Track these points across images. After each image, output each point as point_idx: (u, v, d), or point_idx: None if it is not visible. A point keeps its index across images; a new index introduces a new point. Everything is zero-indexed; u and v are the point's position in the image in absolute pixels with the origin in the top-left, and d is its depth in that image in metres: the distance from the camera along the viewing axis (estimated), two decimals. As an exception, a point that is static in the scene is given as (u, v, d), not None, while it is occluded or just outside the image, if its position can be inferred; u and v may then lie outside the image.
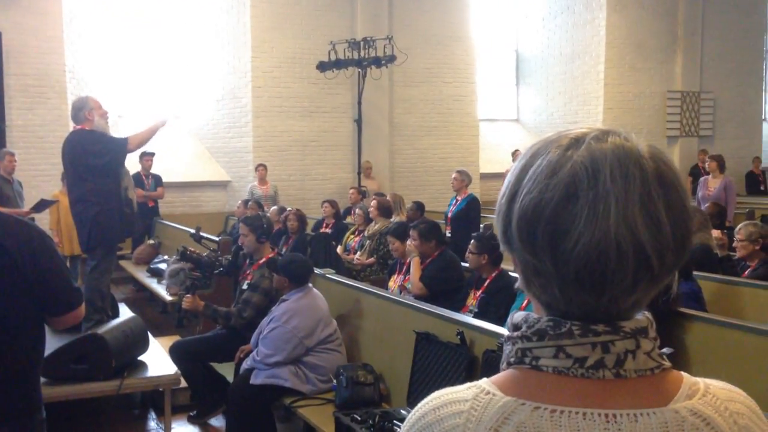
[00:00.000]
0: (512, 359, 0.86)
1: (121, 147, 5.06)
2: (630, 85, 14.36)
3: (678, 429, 0.80)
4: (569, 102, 14.52)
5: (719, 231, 6.16)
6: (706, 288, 4.70)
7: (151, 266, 8.19)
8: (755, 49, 16.15)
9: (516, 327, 0.88)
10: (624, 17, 14.15)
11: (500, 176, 12.42)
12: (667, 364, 0.84)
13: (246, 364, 4.48)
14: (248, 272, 5.16)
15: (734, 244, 5.20)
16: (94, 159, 4.94)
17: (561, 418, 0.80)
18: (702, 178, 9.39)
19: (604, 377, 0.81)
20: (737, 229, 5.23)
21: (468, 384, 0.88)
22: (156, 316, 7.67)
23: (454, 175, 8.38)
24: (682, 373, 0.86)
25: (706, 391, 0.84)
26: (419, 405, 0.89)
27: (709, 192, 8.74)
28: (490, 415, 0.82)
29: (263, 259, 5.10)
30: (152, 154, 10.00)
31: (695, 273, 4.63)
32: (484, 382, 0.86)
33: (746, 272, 5.10)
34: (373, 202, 8.11)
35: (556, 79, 14.67)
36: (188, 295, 4.96)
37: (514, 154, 12.31)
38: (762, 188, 14.63)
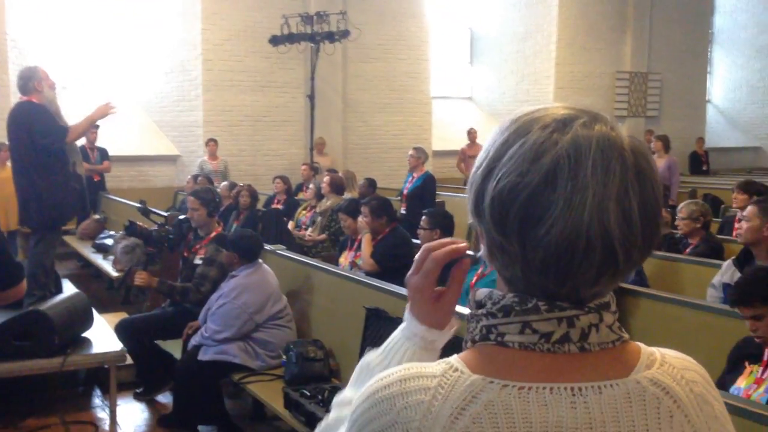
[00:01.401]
0: (477, 336, 0.86)
1: (62, 135, 4.91)
2: (581, 65, 14.54)
3: (640, 399, 0.82)
4: (521, 81, 14.63)
5: (663, 209, 6.30)
6: (649, 264, 4.82)
7: (97, 242, 8.01)
8: (701, 32, 16.51)
9: (479, 304, 0.87)
10: (576, -3, 14.30)
11: (453, 154, 12.52)
12: (626, 335, 0.86)
13: (194, 341, 4.44)
14: (198, 246, 5.10)
15: (676, 222, 5.34)
16: (37, 137, 4.80)
17: (529, 394, 0.80)
18: (648, 158, 9.60)
19: (569, 351, 0.82)
20: (680, 207, 5.37)
21: (441, 360, 0.86)
22: (101, 293, 7.53)
23: (410, 152, 8.38)
24: (639, 344, 0.88)
25: (663, 360, 0.86)
26: (385, 373, 0.87)
27: (655, 171, 8.93)
28: (458, 393, 0.81)
29: (213, 234, 5.04)
30: (97, 127, 9.70)
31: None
32: (453, 359, 0.86)
33: (687, 249, 5.25)
34: (326, 179, 8.06)
35: (509, 58, 14.76)
36: (141, 272, 4.87)
37: (470, 132, 12.35)
38: (705, 168, 15.04)
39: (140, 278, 4.82)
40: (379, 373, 0.88)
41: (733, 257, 4.19)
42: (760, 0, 17.21)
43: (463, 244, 0.96)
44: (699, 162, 15.09)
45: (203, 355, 4.29)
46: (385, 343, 1.02)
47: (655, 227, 0.83)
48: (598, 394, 0.81)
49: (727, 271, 4.11)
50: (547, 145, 0.80)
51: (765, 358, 2.88)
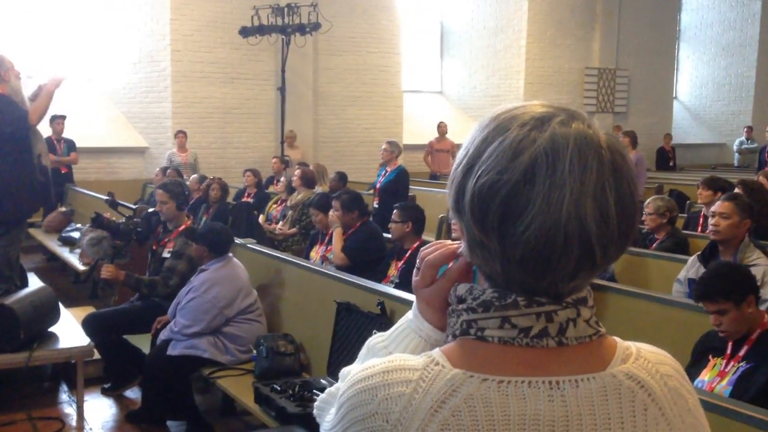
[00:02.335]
0: (458, 331, 0.88)
1: (23, 121, 4.80)
2: (550, 60, 14.66)
3: (615, 392, 0.84)
4: (492, 75, 14.71)
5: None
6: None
7: (63, 235, 7.89)
8: (668, 29, 16.75)
9: (460, 299, 0.89)
10: (546, -7, 14.40)
11: (424, 148, 12.54)
12: (603, 330, 0.88)
13: (163, 335, 4.40)
14: (166, 240, 5.05)
15: (643, 218, 5.41)
16: (2, 126, 4.70)
17: (508, 388, 0.82)
18: (616, 154, 9.69)
19: (547, 345, 0.84)
20: (646, 203, 5.44)
21: (424, 354, 0.88)
22: (68, 286, 7.43)
23: (384, 146, 8.36)
24: (615, 338, 0.89)
25: (638, 354, 0.88)
26: (370, 362, 0.89)
27: (622, 167, 9.04)
28: (438, 387, 0.83)
29: (182, 227, 4.99)
30: (63, 117, 9.58)
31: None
32: (435, 353, 0.87)
33: (654, 245, 5.33)
34: (297, 172, 8.03)
35: (479, 53, 14.82)
36: (108, 265, 4.80)
37: (440, 126, 12.39)
38: (671, 164, 15.28)
39: (107, 271, 4.76)
40: (379, 357, 0.90)
41: (699, 253, 4.25)
42: (726, -2, 17.52)
43: (455, 245, 0.97)
44: (666, 158, 15.33)
45: (172, 350, 4.26)
46: (392, 329, 1.03)
47: (632, 223, 0.84)
48: (575, 387, 0.83)
49: (692, 267, 4.18)
50: (525, 143, 0.81)
51: (728, 352, 2.95)
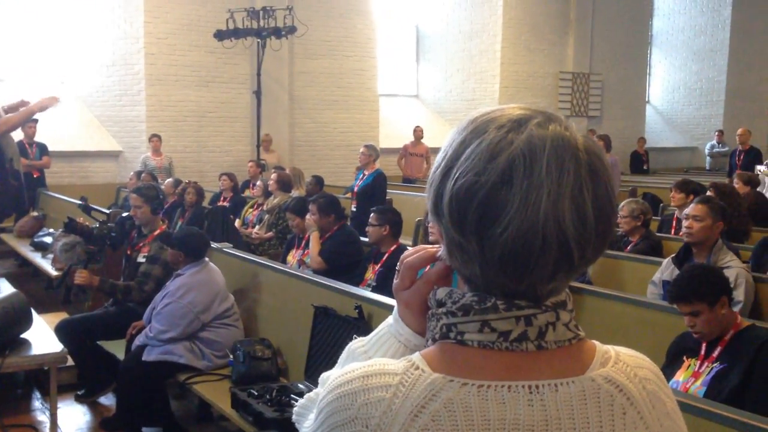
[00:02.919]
0: (437, 335, 0.87)
1: None
2: (525, 65, 14.77)
3: (594, 396, 0.84)
4: (467, 79, 14.78)
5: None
6: (592, 262, 4.93)
7: (35, 239, 7.78)
8: (641, 34, 16.96)
9: (440, 303, 0.88)
10: (521, -2, 14.52)
11: (400, 152, 12.56)
12: (582, 333, 0.88)
13: (138, 341, 4.35)
14: (141, 244, 5.00)
15: (618, 220, 5.46)
16: None
17: (488, 392, 0.82)
18: (590, 157, 9.78)
19: (527, 349, 0.83)
20: (621, 205, 5.49)
21: (404, 358, 0.87)
22: (40, 292, 7.31)
23: (362, 150, 8.35)
24: (595, 341, 0.90)
25: (617, 358, 0.88)
26: (349, 367, 0.88)
27: (597, 170, 9.13)
28: (418, 392, 0.82)
29: (157, 232, 4.95)
30: (36, 121, 9.43)
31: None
32: (416, 357, 0.86)
33: (628, 247, 5.38)
34: (273, 176, 8.00)
35: (454, 57, 14.88)
36: (82, 270, 4.74)
37: (416, 130, 12.42)
38: (645, 167, 15.46)
39: (81, 277, 4.70)
40: (359, 362, 0.90)
41: (673, 255, 4.30)
42: (696, 3, 17.78)
43: (435, 248, 0.96)
44: (640, 161, 15.51)
45: (148, 356, 4.22)
46: (373, 333, 1.02)
47: (609, 225, 0.85)
48: (554, 391, 0.83)
49: (666, 269, 4.23)
50: (502, 145, 0.81)
51: (702, 353, 2.98)
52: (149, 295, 4.65)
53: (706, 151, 15.99)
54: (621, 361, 0.88)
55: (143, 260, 4.88)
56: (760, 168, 7.72)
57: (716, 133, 15.88)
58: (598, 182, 0.83)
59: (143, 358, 4.21)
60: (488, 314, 0.84)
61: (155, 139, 10.54)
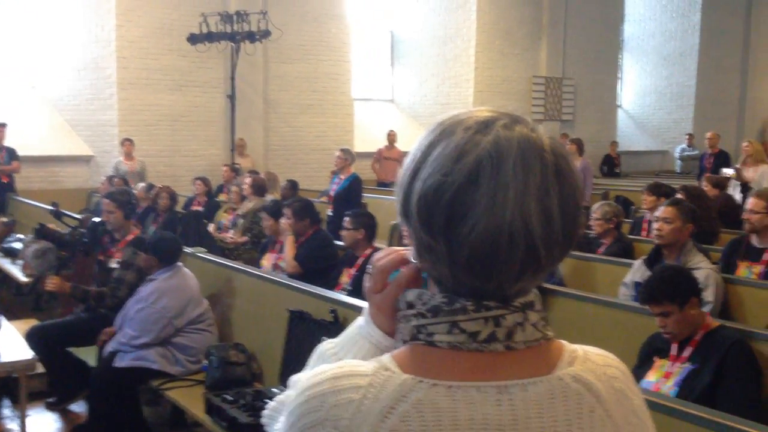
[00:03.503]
0: (407, 337, 0.88)
1: None
2: (499, 69, 14.87)
3: (563, 395, 0.84)
4: (442, 84, 14.84)
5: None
6: (564, 264, 4.98)
7: (4, 245, 7.64)
8: (612, 39, 17.16)
9: (410, 305, 0.89)
10: (493, 3, 14.61)
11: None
12: (551, 334, 0.88)
13: (110, 347, 4.30)
14: (114, 250, 4.94)
15: (590, 223, 5.52)
16: None
17: (457, 393, 0.82)
18: (563, 161, 9.85)
19: (496, 350, 0.84)
20: (593, 208, 5.55)
21: (374, 359, 0.88)
22: (9, 299, 7.20)
23: (337, 154, 8.34)
24: (562, 341, 0.90)
25: (585, 357, 0.89)
26: (317, 370, 0.88)
27: (570, 174, 9.20)
28: (388, 393, 0.83)
29: (130, 237, 4.90)
30: (4, 125, 9.31)
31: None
32: (386, 358, 0.87)
33: (600, 249, 5.44)
34: (248, 180, 7.96)
35: (429, 61, 14.94)
36: (53, 276, 4.67)
37: (389, 134, 12.44)
38: (617, 170, 15.64)
39: (52, 283, 4.64)
40: (330, 363, 0.90)
41: (644, 257, 4.35)
42: (666, 9, 18.04)
43: (406, 251, 0.97)
44: (612, 165, 15.69)
45: (120, 362, 4.17)
46: (342, 335, 1.03)
47: (575, 225, 0.86)
48: (523, 391, 0.84)
49: (638, 270, 4.27)
50: (469, 146, 0.82)
51: (673, 353, 3.02)
52: (122, 300, 4.60)
53: (677, 155, 16.23)
54: (589, 360, 0.89)
55: (116, 266, 4.83)
56: (725, 171, 7.83)
57: (686, 137, 16.14)
58: (564, 183, 0.84)
59: (115, 365, 4.17)
60: (457, 315, 0.84)
61: (128, 143, 10.43)
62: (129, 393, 4.17)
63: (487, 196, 0.81)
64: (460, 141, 0.83)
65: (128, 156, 10.41)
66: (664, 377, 2.99)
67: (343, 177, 8.22)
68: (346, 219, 5.04)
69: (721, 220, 5.96)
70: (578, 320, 3.87)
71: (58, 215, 6.07)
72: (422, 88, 15.04)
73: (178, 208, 8.03)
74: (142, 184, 8.66)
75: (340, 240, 5.30)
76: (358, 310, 3.84)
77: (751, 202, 4.58)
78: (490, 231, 0.81)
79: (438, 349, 0.85)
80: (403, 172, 0.88)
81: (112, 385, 4.13)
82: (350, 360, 0.91)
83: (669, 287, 2.97)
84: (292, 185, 8.54)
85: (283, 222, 5.42)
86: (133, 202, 5.01)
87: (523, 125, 0.85)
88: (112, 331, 4.44)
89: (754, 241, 4.59)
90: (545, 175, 0.82)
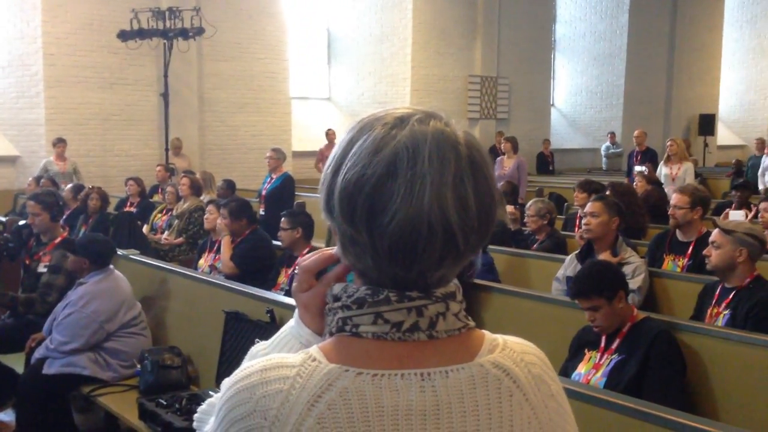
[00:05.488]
0: (334, 329, 0.90)
1: None
2: (435, 68, 15.01)
3: (483, 380, 0.88)
4: (379, 82, 14.88)
5: (512, 207, 6.68)
6: (500, 260, 5.07)
7: (-75, 250, 7.32)
8: (545, 39, 17.52)
9: (336, 298, 0.91)
10: (429, 3, 14.73)
11: (312, 155, 12.53)
12: (472, 323, 0.92)
13: (38, 354, 4.16)
14: (41, 253, 4.79)
15: (525, 219, 5.64)
16: None
17: (381, 381, 0.86)
18: (498, 158, 10.05)
19: (419, 339, 0.88)
20: (528, 205, 5.68)
21: (302, 351, 0.90)
22: (-69, 306, 6.88)
23: (269, 153, 8.28)
24: (484, 331, 0.94)
25: (505, 345, 0.93)
26: (248, 364, 0.91)
27: (504, 171, 9.38)
28: (315, 381, 0.85)
29: (57, 240, 4.75)
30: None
31: (490, 246, 4.98)
32: (313, 350, 0.89)
33: (534, 245, 5.56)
34: (184, 180, 7.82)
35: (366, 60, 14.97)
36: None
37: (328, 133, 12.42)
38: (551, 168, 15.99)
39: (-24, 289, 4.47)
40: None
41: (576, 252, 4.47)
42: (596, 10, 18.53)
43: (330, 250, 0.99)
44: (545, 162, 16.03)
45: (48, 369, 4.04)
46: (274, 336, 1.05)
47: (491, 213, 0.90)
48: (445, 378, 0.87)
49: (570, 265, 4.39)
50: (387, 140, 0.86)
51: (602, 345, 3.12)
52: (53, 306, 4.46)
53: (603, 153, 16.73)
54: (508, 347, 0.93)
55: (44, 270, 4.69)
56: (639, 169, 8.03)
57: (609, 135, 16.72)
58: (479, 174, 0.88)
59: (44, 371, 4.04)
60: (381, 306, 0.87)
61: (60, 143, 10.05)
62: (59, 400, 4.05)
63: (405, 186, 0.84)
64: (378, 135, 0.87)
65: (60, 156, 10.07)
66: (593, 369, 3.08)
67: (275, 176, 8.17)
68: (283, 219, 5.00)
69: (653, 214, 6.17)
70: (513, 315, 3.95)
71: (-19, 218, 5.84)
72: (359, 86, 15.05)
73: (110, 209, 7.83)
74: (68, 186, 8.41)
75: (275, 239, 5.27)
76: (294, 310, 3.83)
77: (675, 198, 4.75)
78: (410, 220, 0.84)
79: (363, 340, 0.88)
80: (325, 169, 0.91)
81: (41, 393, 4.01)
82: (279, 353, 0.93)
83: (597, 282, 3.05)
84: (229, 185, 8.43)
85: (219, 222, 5.35)
86: (60, 204, 4.87)
87: (437, 120, 0.89)
88: (40, 336, 4.31)
89: (679, 235, 4.76)
90: (459, 165, 0.86)
